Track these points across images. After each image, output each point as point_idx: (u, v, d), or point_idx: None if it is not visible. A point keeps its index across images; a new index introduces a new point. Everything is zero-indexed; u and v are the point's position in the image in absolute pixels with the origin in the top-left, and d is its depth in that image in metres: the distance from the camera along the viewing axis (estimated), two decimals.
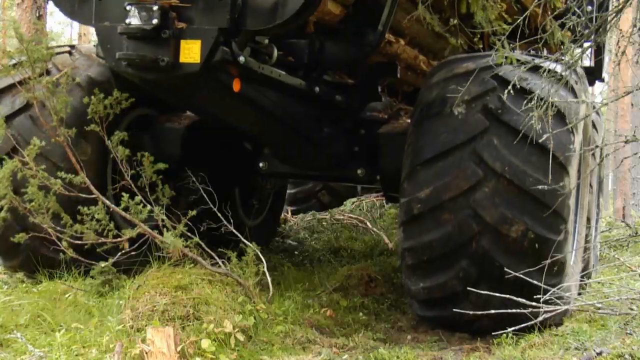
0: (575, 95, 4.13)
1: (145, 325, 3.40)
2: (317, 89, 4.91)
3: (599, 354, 3.30)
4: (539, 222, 3.92)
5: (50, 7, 9.23)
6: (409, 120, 5.09)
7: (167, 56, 3.79)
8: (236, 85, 4.21)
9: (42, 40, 4.56)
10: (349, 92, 5.32)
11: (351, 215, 8.84)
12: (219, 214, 4.65)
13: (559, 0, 4.85)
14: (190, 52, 3.82)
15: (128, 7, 3.81)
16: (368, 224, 8.38)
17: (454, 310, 4.02)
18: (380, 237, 7.84)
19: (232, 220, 4.71)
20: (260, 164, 5.67)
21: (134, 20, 3.79)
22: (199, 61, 3.81)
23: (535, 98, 3.64)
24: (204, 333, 3.47)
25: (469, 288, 3.92)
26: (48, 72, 4.66)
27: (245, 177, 6.18)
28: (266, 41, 4.28)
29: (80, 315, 3.99)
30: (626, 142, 3.78)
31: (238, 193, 6.41)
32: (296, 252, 7.23)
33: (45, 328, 3.74)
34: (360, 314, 4.66)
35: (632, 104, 16.37)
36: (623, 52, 3.82)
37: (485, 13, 4.15)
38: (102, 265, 4.33)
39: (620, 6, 3.72)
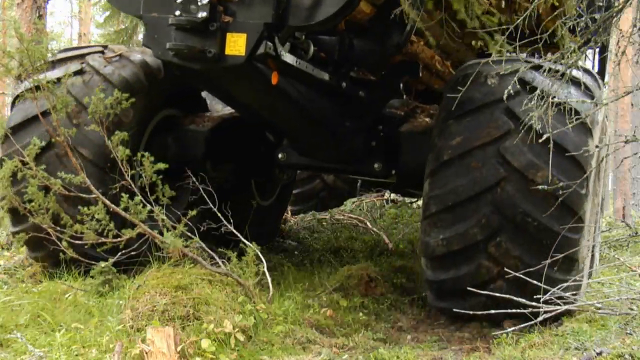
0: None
1: (145, 325, 3.40)
2: (344, 84, 5.10)
3: (599, 354, 3.30)
4: (562, 172, 4.08)
5: (50, 7, 9.23)
6: (427, 120, 5.53)
7: (214, 48, 3.95)
8: (274, 79, 4.39)
9: (42, 40, 4.56)
10: (371, 88, 5.45)
11: (351, 215, 8.85)
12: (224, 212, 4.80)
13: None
14: (236, 44, 3.96)
15: (178, 0, 3.94)
16: (368, 224, 8.38)
17: (472, 265, 4.20)
18: (380, 237, 7.84)
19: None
20: (279, 155, 5.82)
21: (183, 12, 3.94)
22: (243, 54, 3.96)
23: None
24: (204, 333, 3.47)
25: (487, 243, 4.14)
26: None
27: (263, 169, 6.39)
28: (303, 37, 4.47)
29: (80, 315, 3.99)
30: (626, 142, 3.79)
31: (254, 183, 6.67)
32: (296, 252, 7.23)
33: (45, 328, 3.74)
34: (360, 314, 4.66)
35: (632, 104, 16.36)
36: (623, 52, 3.82)
37: (468, 10, 4.16)
38: (102, 265, 4.33)
39: (620, 6, 3.72)
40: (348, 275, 5.11)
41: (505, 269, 4.06)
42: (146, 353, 3.15)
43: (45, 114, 4.53)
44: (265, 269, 4.37)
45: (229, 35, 3.97)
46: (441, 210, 4.34)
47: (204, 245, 4.34)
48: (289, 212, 8.62)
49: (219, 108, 5.94)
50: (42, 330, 3.72)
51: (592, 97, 4.35)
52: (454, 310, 4.24)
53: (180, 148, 5.46)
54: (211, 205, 4.70)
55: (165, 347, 3.17)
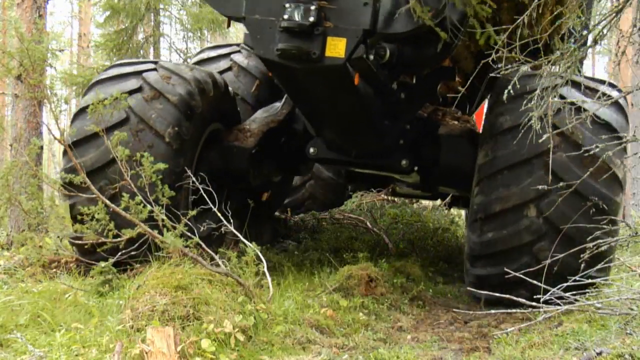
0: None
1: (145, 325, 3.39)
2: (394, 86, 5.64)
3: (599, 354, 3.29)
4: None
5: (50, 7, 9.24)
6: (456, 122, 6.12)
7: (317, 49, 4.40)
8: (357, 79, 4.86)
9: (43, 39, 4.57)
10: (411, 90, 5.87)
11: (351, 215, 8.85)
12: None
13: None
14: (336, 47, 4.42)
15: (287, 5, 4.34)
16: (368, 224, 8.39)
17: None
18: (380, 237, 7.84)
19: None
20: (311, 150, 6.26)
21: (293, 16, 4.34)
22: (343, 56, 4.41)
23: None
24: (204, 333, 3.47)
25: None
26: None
27: (294, 165, 7.05)
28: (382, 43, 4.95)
29: (80, 315, 3.99)
30: (626, 142, 3.79)
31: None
32: (296, 252, 7.23)
33: (45, 328, 3.74)
34: (360, 314, 4.65)
35: (632, 104, 16.33)
36: (623, 52, 3.82)
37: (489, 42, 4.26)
38: (102, 265, 4.33)
39: (620, 6, 3.72)
40: (348, 275, 5.10)
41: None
42: (146, 353, 3.15)
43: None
44: (265, 269, 4.37)
45: (329, 39, 4.40)
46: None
47: (203, 245, 4.35)
48: (290, 213, 8.63)
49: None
50: (42, 330, 3.71)
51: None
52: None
53: (225, 163, 6.01)
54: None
55: (165, 347, 3.17)
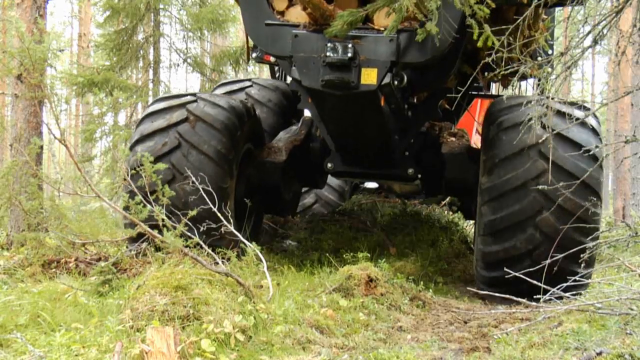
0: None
1: (145, 325, 3.39)
2: (405, 105, 6.60)
3: (599, 354, 3.29)
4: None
5: (50, 7, 9.25)
6: (453, 139, 7.22)
7: (354, 79, 5.36)
8: (382, 101, 5.86)
9: (44, 39, 4.57)
10: (416, 109, 6.98)
11: (351, 215, 8.85)
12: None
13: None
14: (369, 77, 5.39)
15: (329, 44, 5.32)
16: (368, 224, 8.39)
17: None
18: (380, 238, 7.84)
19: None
20: (329, 165, 7.28)
21: (334, 53, 5.32)
22: (375, 83, 5.39)
23: None
24: (204, 333, 3.47)
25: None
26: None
27: (313, 177, 8.05)
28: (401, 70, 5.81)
29: (80, 315, 3.99)
30: (626, 142, 3.79)
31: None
32: (296, 252, 7.23)
33: (45, 328, 3.74)
34: (360, 314, 4.65)
35: (632, 104, 16.33)
36: (623, 52, 3.82)
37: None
38: (102, 265, 4.33)
39: (620, 6, 3.72)
40: (348, 275, 5.10)
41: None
42: (146, 353, 3.15)
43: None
44: (266, 269, 4.37)
45: (363, 70, 5.37)
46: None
47: (203, 245, 4.35)
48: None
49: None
50: (42, 330, 3.71)
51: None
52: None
53: (260, 178, 7.08)
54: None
55: (165, 347, 3.17)
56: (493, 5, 4.69)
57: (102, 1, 13.34)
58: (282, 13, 5.79)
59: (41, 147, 6.62)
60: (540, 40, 5.24)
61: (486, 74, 6.81)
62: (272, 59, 7.89)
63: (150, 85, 13.28)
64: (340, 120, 6.47)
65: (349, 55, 5.29)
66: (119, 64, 12.91)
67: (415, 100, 7.02)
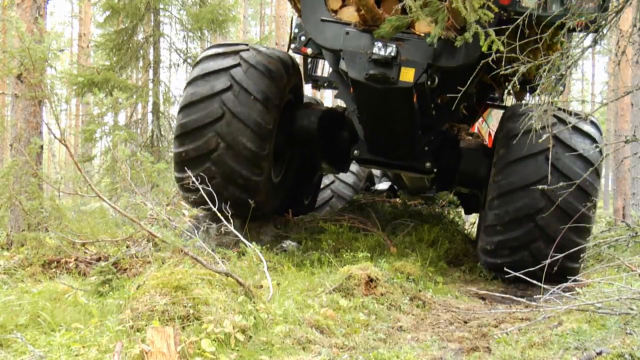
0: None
1: (145, 325, 3.39)
2: (432, 105, 7.25)
3: (599, 353, 3.29)
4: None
5: (50, 7, 9.25)
6: (470, 138, 8.13)
7: (394, 75, 6.08)
8: (415, 98, 6.50)
9: (44, 39, 4.57)
10: (440, 109, 7.56)
11: (351, 215, 8.85)
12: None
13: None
14: (407, 75, 6.10)
15: (375, 43, 6.04)
16: (368, 223, 8.38)
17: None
18: (380, 237, 7.83)
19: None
20: (355, 152, 7.90)
21: (380, 50, 6.03)
22: (412, 81, 6.09)
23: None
24: (204, 333, 3.47)
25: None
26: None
27: (341, 161, 8.82)
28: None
29: (80, 315, 3.99)
30: (626, 142, 3.79)
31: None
32: (296, 252, 7.23)
33: (45, 328, 3.74)
34: (360, 314, 4.65)
35: (632, 104, 16.34)
36: (623, 52, 3.82)
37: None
38: (102, 265, 4.34)
39: (620, 6, 3.72)
40: (348, 275, 5.10)
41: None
42: (146, 353, 3.15)
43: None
44: (266, 269, 4.37)
45: (403, 68, 6.08)
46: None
47: (203, 244, 4.35)
48: (290, 213, 8.63)
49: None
50: (42, 330, 3.71)
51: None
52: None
53: (302, 121, 7.97)
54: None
55: (165, 347, 3.17)
56: (496, 9, 5.22)
57: (102, 1, 13.35)
58: (335, 11, 6.50)
59: (41, 147, 6.62)
60: (556, 61, 5.66)
61: (504, 84, 7.70)
62: (308, 51, 8.35)
63: (150, 85, 13.29)
64: (375, 110, 7.04)
65: (392, 54, 6.01)
66: (119, 64, 12.91)
67: (439, 102, 7.61)
